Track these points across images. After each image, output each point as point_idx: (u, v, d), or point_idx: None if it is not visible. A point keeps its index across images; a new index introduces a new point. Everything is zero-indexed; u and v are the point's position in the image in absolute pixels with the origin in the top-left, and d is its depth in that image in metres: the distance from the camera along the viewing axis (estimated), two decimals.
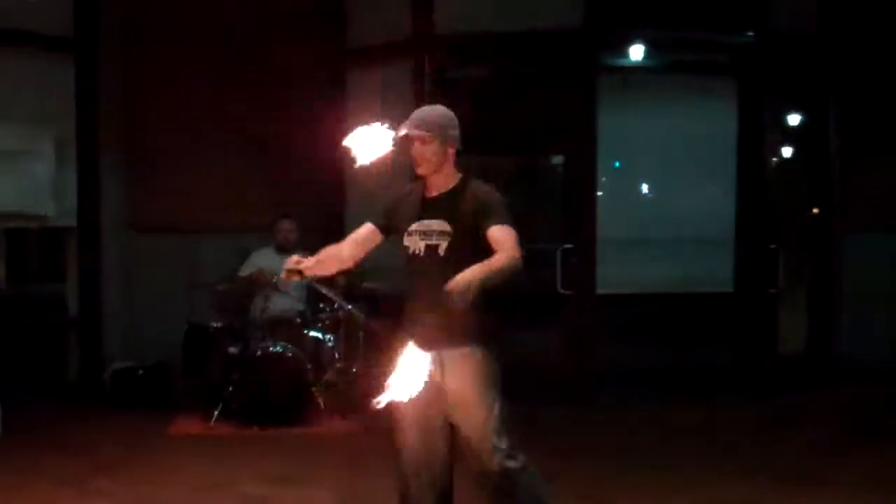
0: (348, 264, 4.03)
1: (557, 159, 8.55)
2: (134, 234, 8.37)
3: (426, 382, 3.74)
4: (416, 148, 3.81)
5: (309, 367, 7.21)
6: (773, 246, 8.44)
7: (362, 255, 4.01)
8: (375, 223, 3.94)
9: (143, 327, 8.21)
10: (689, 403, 7.94)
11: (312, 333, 7.56)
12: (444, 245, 3.74)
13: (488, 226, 3.68)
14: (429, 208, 3.82)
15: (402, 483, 3.93)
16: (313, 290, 7.77)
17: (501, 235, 3.67)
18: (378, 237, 3.96)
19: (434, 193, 3.86)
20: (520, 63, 8.19)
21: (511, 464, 3.77)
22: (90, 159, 8.13)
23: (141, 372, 7.86)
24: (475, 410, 3.76)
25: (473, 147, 8.41)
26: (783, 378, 8.39)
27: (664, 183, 8.75)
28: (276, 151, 8.27)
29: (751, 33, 8.37)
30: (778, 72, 8.45)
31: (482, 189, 3.85)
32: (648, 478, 6.07)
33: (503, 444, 3.76)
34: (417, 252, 3.81)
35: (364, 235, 3.95)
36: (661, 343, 8.79)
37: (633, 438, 7.14)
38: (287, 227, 7.87)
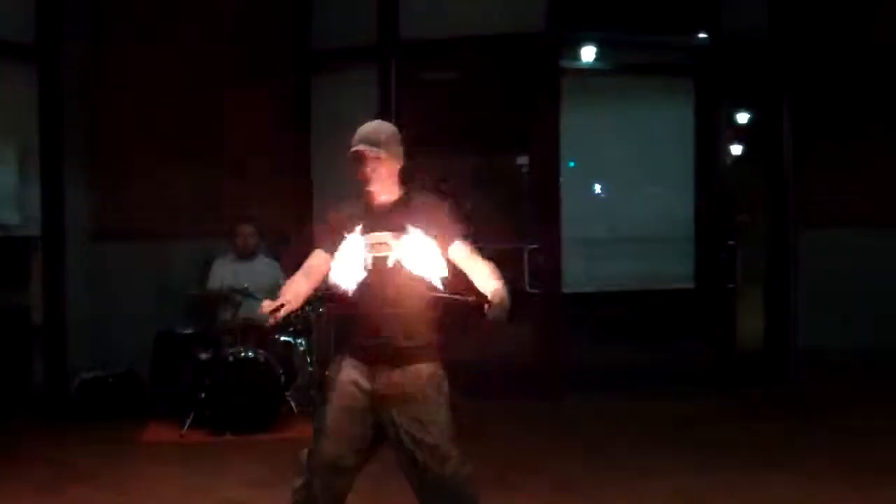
0: (309, 295, 4.06)
1: (522, 160, 8.66)
2: (99, 242, 8.27)
3: (365, 392, 3.82)
4: (370, 166, 3.81)
5: (280, 371, 7.22)
6: (731, 242, 8.63)
7: (318, 283, 4.00)
8: (329, 251, 3.88)
9: (110, 336, 8.10)
10: (654, 398, 8.11)
11: (283, 338, 7.58)
12: (391, 256, 3.73)
13: (448, 243, 3.75)
14: (375, 222, 3.80)
15: (310, 473, 3.90)
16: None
17: (470, 257, 3.78)
18: (331, 263, 3.90)
19: (379, 207, 3.87)
20: (484, 66, 8.30)
21: (463, 470, 3.84)
22: (54, 167, 8.02)
23: (110, 381, 7.77)
24: (430, 421, 3.81)
25: (439, 148, 8.57)
26: (742, 372, 8.58)
27: (626, 182, 8.88)
28: (241, 156, 8.28)
29: (705, 35, 8.56)
30: (733, 72, 8.66)
31: (430, 201, 3.92)
32: (621, 467, 6.24)
33: (454, 452, 3.83)
34: (365, 265, 3.78)
35: (318, 265, 3.93)
36: (626, 339, 8.93)
37: (603, 431, 7.29)
38: (247, 232, 7.79)
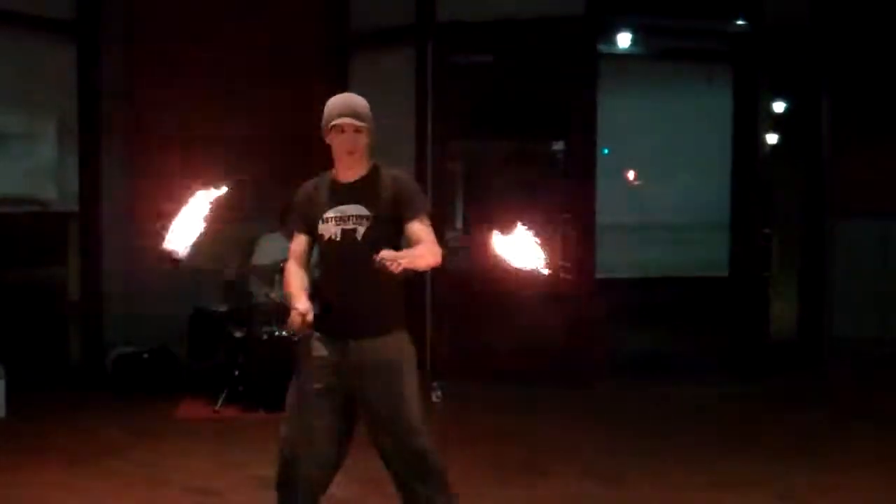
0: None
1: (557, 144, 8.63)
2: (137, 218, 8.31)
3: (336, 369, 3.76)
4: (351, 137, 3.77)
5: None
6: (766, 230, 8.58)
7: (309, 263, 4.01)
8: (303, 232, 3.89)
9: (145, 312, 8.15)
10: (686, 385, 8.13)
11: None
12: (361, 230, 3.74)
13: (408, 218, 3.73)
14: (343, 195, 3.77)
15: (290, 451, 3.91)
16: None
17: (422, 230, 3.73)
18: (311, 241, 3.93)
19: (346, 181, 3.83)
20: (521, 50, 8.26)
21: (429, 444, 3.82)
22: (92, 143, 8.10)
23: (146, 356, 7.85)
24: (401, 393, 3.79)
25: (475, 131, 8.53)
26: (775, 360, 8.55)
27: (662, 168, 8.85)
28: (279, 135, 8.29)
29: (745, 22, 8.49)
30: (772, 60, 8.58)
31: (399, 176, 3.88)
32: (653, 455, 6.21)
33: (424, 426, 3.82)
34: (333, 237, 3.79)
35: (304, 248, 3.91)
36: (659, 326, 8.91)
37: (634, 418, 7.28)
38: None
